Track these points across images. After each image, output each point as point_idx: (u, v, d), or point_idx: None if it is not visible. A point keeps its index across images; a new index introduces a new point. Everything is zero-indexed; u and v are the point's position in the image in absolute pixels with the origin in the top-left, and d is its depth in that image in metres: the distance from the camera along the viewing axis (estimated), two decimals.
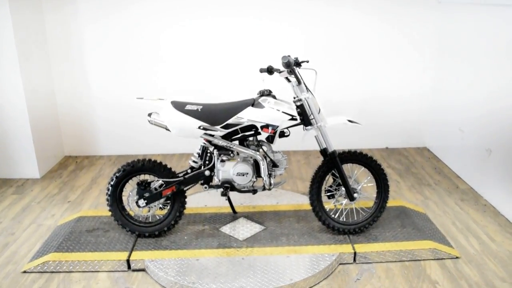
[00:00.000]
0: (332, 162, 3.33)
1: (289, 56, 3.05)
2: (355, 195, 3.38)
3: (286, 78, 3.30)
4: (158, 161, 3.34)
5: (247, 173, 3.23)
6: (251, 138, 3.35)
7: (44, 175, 4.79)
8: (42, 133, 4.78)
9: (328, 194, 3.46)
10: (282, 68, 3.29)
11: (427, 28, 5.11)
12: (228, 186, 3.29)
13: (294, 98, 3.25)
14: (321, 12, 4.97)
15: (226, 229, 3.53)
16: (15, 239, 3.57)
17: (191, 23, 4.95)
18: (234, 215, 3.74)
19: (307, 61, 3.16)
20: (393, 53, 5.16)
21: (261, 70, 3.49)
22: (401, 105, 5.36)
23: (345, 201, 3.46)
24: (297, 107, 3.25)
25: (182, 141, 5.10)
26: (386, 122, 5.43)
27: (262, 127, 3.20)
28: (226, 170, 3.26)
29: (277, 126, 3.19)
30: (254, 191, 3.32)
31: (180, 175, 3.38)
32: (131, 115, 5.18)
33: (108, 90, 5.13)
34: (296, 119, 3.20)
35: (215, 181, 3.31)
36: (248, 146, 3.34)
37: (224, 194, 3.29)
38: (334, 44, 5.08)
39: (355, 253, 3.24)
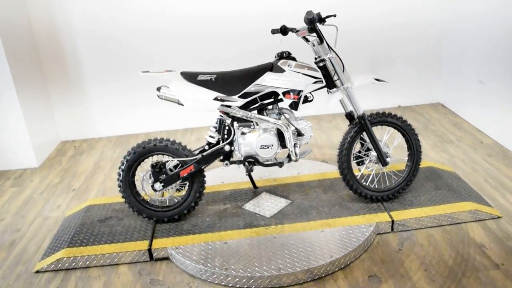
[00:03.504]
0: (362, 126, 3.06)
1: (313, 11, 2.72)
2: (388, 159, 3.12)
3: (304, 37, 3.00)
4: (171, 139, 3.04)
5: (272, 145, 2.95)
6: (270, 106, 3.06)
7: (42, 164, 4.47)
8: (35, 118, 4.43)
9: (358, 160, 3.20)
10: (298, 27, 2.98)
11: None
12: (251, 161, 3.01)
13: (316, 58, 2.95)
14: None
15: (250, 206, 3.28)
16: (21, 236, 3.29)
17: None
18: (255, 190, 3.48)
19: (334, 15, 2.83)
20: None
21: (273, 31, 3.19)
22: (411, 58, 5.08)
23: (375, 166, 3.21)
24: (320, 68, 2.95)
25: (185, 115, 4.82)
26: (396, 80, 5.14)
27: (284, 93, 2.90)
28: (248, 143, 2.97)
29: (301, 91, 2.89)
30: (280, 164, 3.05)
31: (197, 152, 3.10)
32: (127, 92, 4.84)
33: (101, 65, 4.75)
34: (321, 82, 2.91)
35: (237, 156, 3.02)
36: (268, 116, 3.05)
37: (250, 170, 3.02)
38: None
39: (392, 221, 3.01)
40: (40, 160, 4.45)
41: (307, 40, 3.03)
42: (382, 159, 3.10)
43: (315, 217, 3.09)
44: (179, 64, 4.63)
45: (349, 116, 3.16)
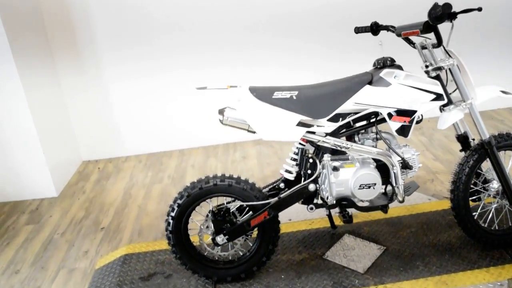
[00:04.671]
0: (484, 153, 2.33)
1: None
2: None
3: (407, 39, 2.28)
4: (235, 175, 2.33)
5: (375, 184, 2.22)
6: (362, 130, 2.33)
7: (62, 191, 3.77)
8: (51, 134, 3.73)
9: (473, 198, 2.48)
10: (400, 24, 2.26)
11: None
12: (345, 204, 2.28)
13: (428, 66, 2.22)
14: None
15: (333, 255, 2.56)
16: None
17: None
18: (334, 231, 2.77)
19: (479, 9, 2.08)
20: None
21: (358, 30, 2.47)
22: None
23: (494, 201, 2.49)
24: (433, 79, 2.23)
25: (224, 127, 4.10)
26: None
27: (390, 115, 2.17)
28: (342, 182, 2.23)
29: (415, 111, 2.16)
30: (385, 209, 2.32)
31: (266, 189, 2.39)
32: (158, 101, 4.13)
33: (126, 64, 4.03)
34: (442, 99, 2.18)
35: (328, 199, 2.28)
36: (360, 142, 2.33)
37: (348, 219, 2.29)
38: None
39: None
40: (59, 187, 3.75)
41: (410, 42, 2.31)
42: (511, 195, 2.37)
43: (423, 272, 2.37)
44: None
45: (462, 138, 2.44)
